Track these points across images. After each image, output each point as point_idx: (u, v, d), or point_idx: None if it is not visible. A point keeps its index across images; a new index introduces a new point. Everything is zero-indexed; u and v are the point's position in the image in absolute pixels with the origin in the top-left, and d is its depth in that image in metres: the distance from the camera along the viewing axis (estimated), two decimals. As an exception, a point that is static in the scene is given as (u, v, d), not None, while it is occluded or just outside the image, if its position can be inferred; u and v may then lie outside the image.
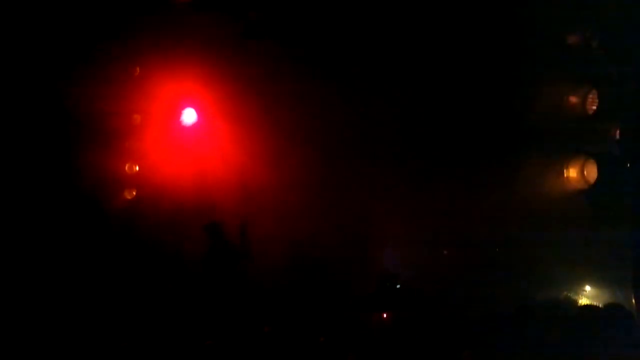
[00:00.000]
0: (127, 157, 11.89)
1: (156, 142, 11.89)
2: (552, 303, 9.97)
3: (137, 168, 11.90)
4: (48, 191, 10.83)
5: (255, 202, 11.85)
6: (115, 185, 11.81)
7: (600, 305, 9.32)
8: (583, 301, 10.07)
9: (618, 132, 9.21)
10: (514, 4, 9.93)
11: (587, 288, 10.33)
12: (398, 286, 10.81)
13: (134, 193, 11.99)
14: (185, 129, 12.12)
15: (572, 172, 9.78)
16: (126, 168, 11.91)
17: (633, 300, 8.94)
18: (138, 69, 11.81)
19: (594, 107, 9.30)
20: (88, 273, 10.72)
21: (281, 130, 11.82)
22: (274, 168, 11.82)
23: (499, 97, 10.60)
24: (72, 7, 10.79)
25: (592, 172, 9.35)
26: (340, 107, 11.69)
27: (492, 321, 8.49)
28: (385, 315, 10.69)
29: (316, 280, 11.57)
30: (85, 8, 10.84)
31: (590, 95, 9.37)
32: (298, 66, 11.47)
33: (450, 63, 10.73)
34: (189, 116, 12.14)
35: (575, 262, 10.16)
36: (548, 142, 10.19)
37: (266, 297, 11.18)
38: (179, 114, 12.09)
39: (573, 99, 9.78)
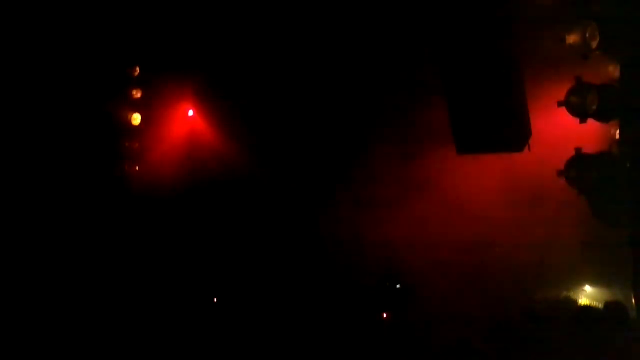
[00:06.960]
0: (127, 157, 11.93)
1: (156, 142, 11.94)
2: (552, 303, 10.00)
3: (137, 168, 11.97)
4: (48, 191, 10.87)
5: (254, 201, 11.91)
6: (115, 185, 11.86)
7: (600, 306, 9.34)
8: (583, 301, 10.08)
9: (618, 132, 9.18)
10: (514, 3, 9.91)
11: (587, 288, 10.33)
12: (398, 286, 10.83)
13: (134, 192, 12.05)
14: (185, 128, 12.17)
15: (571, 171, 9.74)
16: (126, 168, 11.97)
17: (633, 300, 8.92)
18: (138, 69, 11.86)
19: (594, 107, 9.24)
20: (87, 274, 10.77)
21: (281, 130, 11.85)
22: (274, 167, 11.86)
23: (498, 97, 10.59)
24: (72, 7, 10.81)
25: (590, 170, 9.30)
26: (341, 106, 11.71)
27: (493, 322, 8.51)
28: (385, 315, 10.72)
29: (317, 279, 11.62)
30: (84, 8, 10.86)
31: (590, 95, 9.32)
32: (298, 66, 11.49)
33: (447, 64, 10.68)
34: (189, 116, 12.20)
35: (575, 262, 10.17)
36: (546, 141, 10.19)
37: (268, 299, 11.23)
38: (179, 114, 12.14)
39: (573, 98, 9.73)
